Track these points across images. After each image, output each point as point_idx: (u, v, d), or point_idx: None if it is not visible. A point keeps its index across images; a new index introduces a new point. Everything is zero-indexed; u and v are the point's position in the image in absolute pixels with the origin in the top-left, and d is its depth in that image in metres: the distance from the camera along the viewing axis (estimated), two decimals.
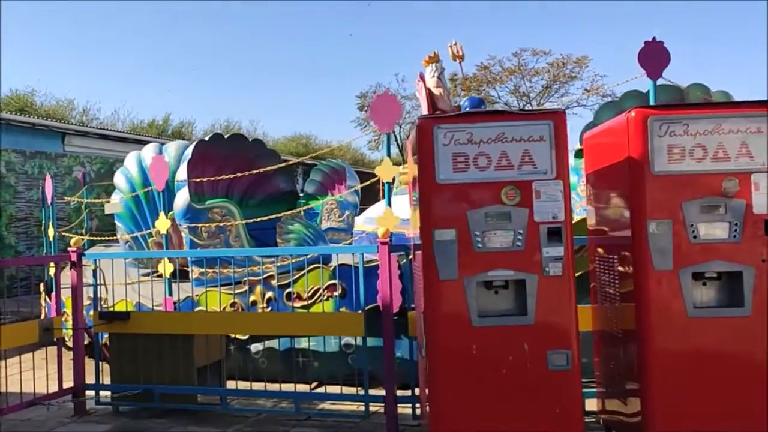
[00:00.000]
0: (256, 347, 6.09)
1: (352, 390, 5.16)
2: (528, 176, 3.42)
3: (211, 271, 6.57)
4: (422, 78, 10.12)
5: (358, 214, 11.49)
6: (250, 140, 8.26)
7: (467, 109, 9.24)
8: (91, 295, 5.50)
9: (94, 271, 5.19)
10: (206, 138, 7.63)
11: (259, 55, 60.45)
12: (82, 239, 5.21)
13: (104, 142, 15.94)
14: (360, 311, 5.33)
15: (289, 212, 7.10)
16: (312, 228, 7.84)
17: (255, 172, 7.55)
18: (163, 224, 6.09)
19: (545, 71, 37.72)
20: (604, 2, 49.76)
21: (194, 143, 7.43)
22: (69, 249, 5.10)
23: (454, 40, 10.39)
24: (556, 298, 3.39)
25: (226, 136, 7.92)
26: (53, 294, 7.47)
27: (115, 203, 7.54)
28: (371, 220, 9.35)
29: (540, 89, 37.58)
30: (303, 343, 5.83)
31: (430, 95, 10.10)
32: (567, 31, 49.80)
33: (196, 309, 6.03)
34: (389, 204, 5.56)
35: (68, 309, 6.25)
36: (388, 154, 5.59)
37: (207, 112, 66.24)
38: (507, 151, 3.43)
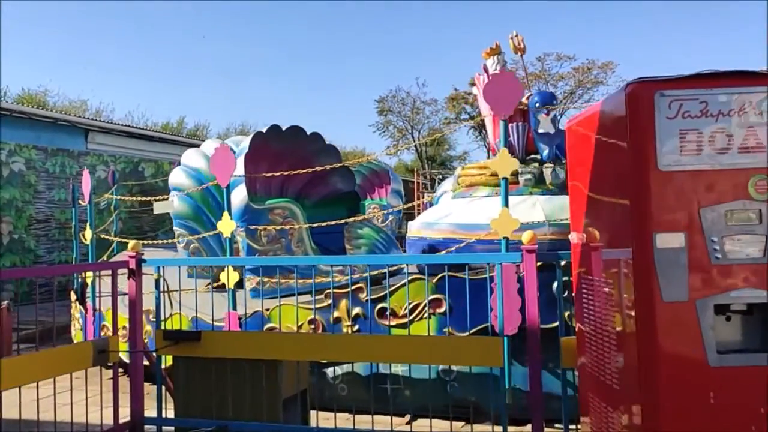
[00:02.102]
0: (334, 371, 5.20)
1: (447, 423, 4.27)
2: None
3: (270, 280, 5.70)
4: (486, 70, 9.25)
5: (410, 219, 10.59)
6: (308, 133, 7.36)
7: (537, 105, 8.24)
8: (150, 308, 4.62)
9: (157, 282, 4.31)
10: (263, 130, 6.75)
11: (274, 59, 59.85)
12: (140, 243, 4.32)
13: (129, 141, 15.11)
14: (467, 331, 4.45)
15: (366, 215, 6.22)
16: (383, 233, 6.99)
17: (318, 169, 6.67)
18: (227, 226, 5.20)
19: (570, 76, 36.86)
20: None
21: (251, 135, 6.56)
22: (127, 254, 4.22)
23: (515, 32, 9.50)
24: None
25: (284, 129, 7.03)
26: (89, 303, 6.62)
27: (167, 203, 6.67)
28: (429, 225, 8.47)
29: (564, 94, 36.63)
30: (392, 368, 4.94)
31: None
32: (594, 36, 49.01)
33: (266, 326, 5.14)
34: (506, 204, 4.66)
35: (110, 323, 5.40)
36: (505, 145, 4.70)
37: (222, 114, 65.74)
38: (755, 127, 2.53)
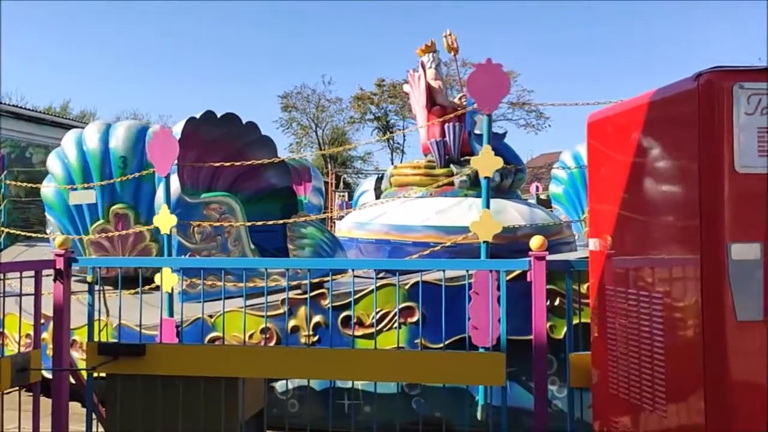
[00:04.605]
0: (282, 385, 4.66)
1: None
2: None
3: (222, 283, 5.08)
4: (423, 67, 8.94)
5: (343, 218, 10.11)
6: (243, 123, 6.73)
7: (474, 106, 8.02)
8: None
9: (91, 285, 3.61)
10: (197, 116, 6.08)
11: (172, 50, 57.35)
12: (69, 239, 3.62)
13: (15, 122, 13.62)
14: (442, 342, 4.05)
15: (331, 215, 5.70)
16: (328, 233, 6.50)
17: (255, 162, 6.11)
18: (165, 222, 4.54)
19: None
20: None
21: (185, 121, 5.88)
22: (54, 252, 3.50)
23: (448, 30, 9.27)
24: None
25: (218, 116, 6.38)
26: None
27: (86, 193, 5.84)
28: (361, 226, 8.06)
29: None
30: (349, 382, 4.47)
31: (428, 88, 8.93)
32: (498, 44, 50.34)
33: (209, 335, 4.53)
34: (487, 205, 4.32)
35: (8, 330, 4.62)
36: (488, 142, 4.36)
37: (110, 102, 62.31)
38: None
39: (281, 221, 5.75)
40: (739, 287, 2.22)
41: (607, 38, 56.08)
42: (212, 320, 4.54)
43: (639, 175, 2.66)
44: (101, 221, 6.34)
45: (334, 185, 18.80)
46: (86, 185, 6.03)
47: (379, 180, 10.59)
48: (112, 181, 6.01)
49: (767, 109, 2.26)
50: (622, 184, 2.76)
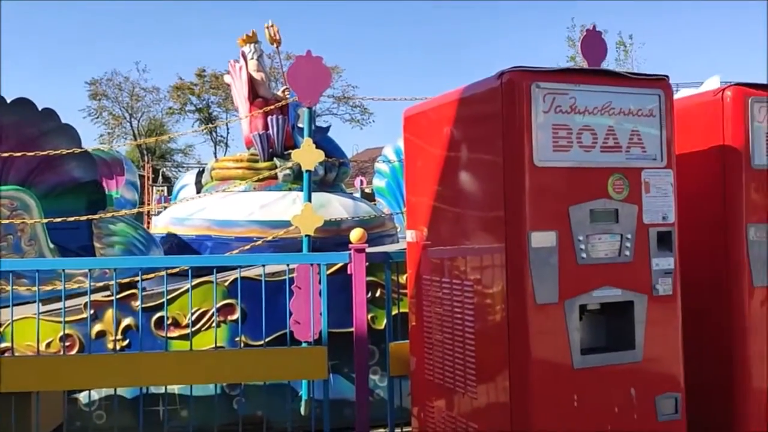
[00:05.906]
0: (86, 396, 4.28)
1: None
2: (637, 162, 2.57)
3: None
4: (244, 57, 8.75)
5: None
6: (39, 109, 6.08)
7: (295, 98, 8.03)
8: None
9: None
10: None
11: None
12: None
13: None
14: (263, 339, 3.95)
15: (136, 211, 5.32)
16: (141, 229, 6.11)
17: (51, 153, 5.57)
18: None
19: None
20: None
21: None
22: None
23: (270, 22, 9.19)
24: (665, 325, 2.60)
25: (8, 101, 5.71)
26: None
27: None
28: (180, 221, 7.70)
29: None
30: (163, 386, 4.22)
31: (250, 79, 8.77)
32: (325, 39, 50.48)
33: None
34: (309, 199, 4.28)
35: None
36: (309, 135, 4.32)
37: None
38: (614, 127, 2.54)
39: (85, 217, 5.28)
40: (537, 273, 2.39)
41: (430, 36, 58.76)
42: (1, 330, 4.05)
43: (451, 169, 2.77)
44: None
45: (151, 179, 17.78)
46: None
47: (200, 174, 10.21)
48: None
49: (560, 108, 2.44)
50: (435, 177, 2.86)
